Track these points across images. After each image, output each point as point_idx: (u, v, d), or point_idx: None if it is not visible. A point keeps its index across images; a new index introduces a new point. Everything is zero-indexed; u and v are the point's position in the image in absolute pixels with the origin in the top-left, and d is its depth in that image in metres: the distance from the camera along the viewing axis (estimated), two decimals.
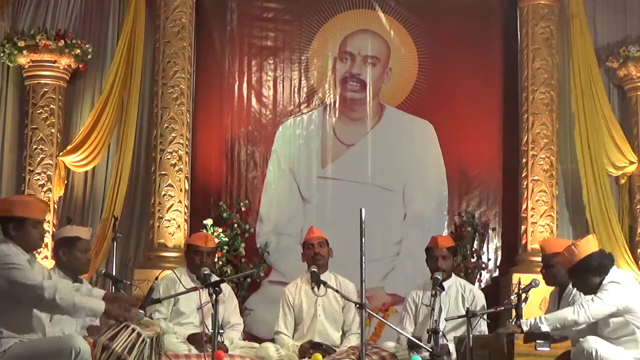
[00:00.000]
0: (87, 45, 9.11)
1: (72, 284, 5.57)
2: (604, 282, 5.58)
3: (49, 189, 8.89)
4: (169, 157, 8.96)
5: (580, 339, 5.47)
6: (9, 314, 4.94)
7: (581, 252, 5.64)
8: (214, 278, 6.05)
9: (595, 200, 9.20)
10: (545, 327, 5.54)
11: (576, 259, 5.64)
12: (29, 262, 5.06)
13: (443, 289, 6.36)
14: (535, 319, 5.61)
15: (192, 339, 6.46)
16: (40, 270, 5.17)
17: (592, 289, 5.66)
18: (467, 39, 9.68)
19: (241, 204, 9.28)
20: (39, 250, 5.42)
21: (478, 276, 9.18)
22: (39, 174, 8.91)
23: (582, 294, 5.96)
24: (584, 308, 5.51)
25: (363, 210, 5.35)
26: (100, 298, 5.12)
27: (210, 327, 5.76)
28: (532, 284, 6.38)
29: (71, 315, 5.07)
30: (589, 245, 5.70)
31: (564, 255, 5.75)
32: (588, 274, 5.63)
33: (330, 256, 6.88)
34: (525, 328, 5.59)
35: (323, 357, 6.37)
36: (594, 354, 5.33)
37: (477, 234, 9.33)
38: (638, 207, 9.39)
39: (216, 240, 8.68)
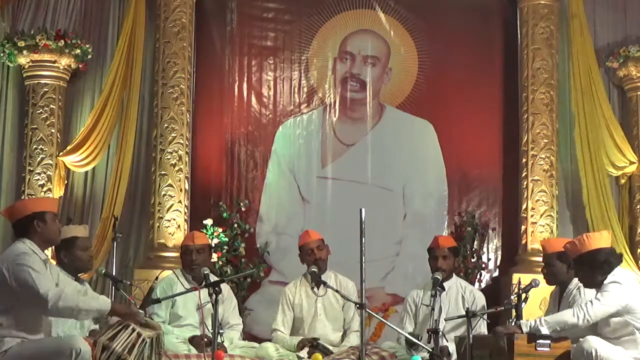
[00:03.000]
0: (87, 45, 9.11)
1: (78, 287, 5.56)
2: (605, 282, 5.57)
3: (49, 189, 8.89)
4: (169, 157, 8.97)
5: (580, 339, 5.47)
6: (17, 313, 4.95)
7: (591, 244, 5.64)
8: (214, 278, 6.04)
9: (595, 200, 9.19)
10: (544, 330, 5.54)
11: (585, 249, 5.64)
12: (44, 263, 5.08)
13: (443, 289, 6.36)
14: (535, 320, 5.61)
15: (192, 341, 6.46)
16: (51, 274, 5.17)
17: (592, 284, 5.67)
18: (467, 39, 9.68)
19: (241, 204, 9.28)
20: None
21: (478, 276, 9.18)
22: (39, 174, 8.91)
23: (582, 289, 5.98)
24: (584, 311, 5.50)
25: (363, 210, 5.35)
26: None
27: (210, 328, 5.75)
28: (532, 284, 6.38)
29: (76, 318, 5.09)
30: (601, 239, 5.68)
31: (573, 244, 5.74)
32: (592, 269, 5.62)
33: (328, 253, 6.86)
34: (525, 329, 5.59)
35: (323, 357, 6.37)
36: (593, 353, 5.33)
37: (477, 234, 9.32)
38: (638, 207, 9.39)
39: (216, 240, 8.70)
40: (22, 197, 8.85)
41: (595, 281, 5.65)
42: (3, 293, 4.96)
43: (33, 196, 8.66)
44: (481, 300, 6.79)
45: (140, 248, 9.17)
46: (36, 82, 9.02)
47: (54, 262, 5.85)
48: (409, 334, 6.25)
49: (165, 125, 9.02)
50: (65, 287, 5.29)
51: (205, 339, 6.12)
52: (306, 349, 6.52)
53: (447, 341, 6.22)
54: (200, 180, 9.35)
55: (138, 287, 7.86)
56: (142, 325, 5.04)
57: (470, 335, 5.64)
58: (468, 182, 9.61)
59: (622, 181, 9.53)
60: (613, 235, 9.02)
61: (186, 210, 8.99)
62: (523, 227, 9.20)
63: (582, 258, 5.66)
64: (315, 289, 6.78)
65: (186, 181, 9.03)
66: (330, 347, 6.58)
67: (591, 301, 5.55)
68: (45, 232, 5.16)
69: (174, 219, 8.89)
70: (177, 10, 9.14)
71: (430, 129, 9.63)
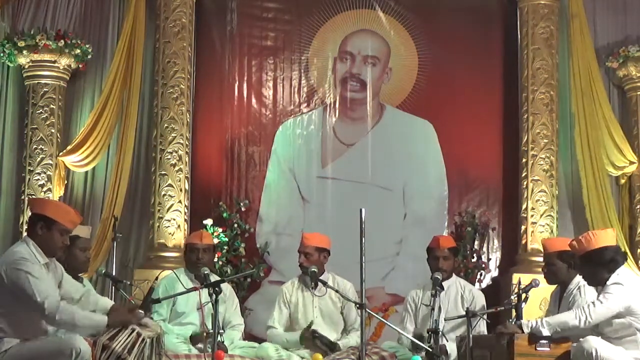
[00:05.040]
0: (87, 45, 9.11)
1: (81, 288, 5.53)
2: (608, 283, 5.56)
3: (49, 189, 8.89)
4: (169, 157, 8.97)
5: (580, 339, 5.47)
6: (15, 316, 4.94)
7: (597, 243, 5.63)
8: (214, 278, 6.04)
9: (595, 200, 9.19)
10: (546, 332, 5.53)
11: (591, 247, 5.62)
12: (46, 267, 5.06)
13: (443, 288, 6.36)
14: (537, 321, 5.60)
15: (193, 340, 6.46)
16: (53, 279, 5.14)
17: (598, 281, 5.67)
18: (467, 39, 9.68)
19: (241, 204, 9.28)
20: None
21: (478, 276, 9.19)
22: (39, 174, 8.91)
23: (582, 288, 5.98)
24: (586, 314, 5.48)
25: (363, 210, 5.35)
26: (106, 311, 5.12)
27: (210, 327, 5.75)
28: (532, 284, 6.38)
29: (72, 331, 5.06)
30: (607, 237, 5.67)
31: (579, 241, 5.72)
32: (598, 267, 5.61)
33: (324, 261, 6.78)
34: (526, 330, 5.59)
35: (323, 357, 6.37)
36: (594, 353, 5.33)
37: (477, 234, 9.33)
38: (638, 207, 9.39)
39: (216, 240, 8.70)
40: (22, 197, 8.87)
41: (599, 279, 5.64)
42: (1, 296, 4.95)
43: (33, 196, 8.65)
44: (481, 300, 6.79)
45: (140, 248, 9.17)
46: (36, 82, 9.02)
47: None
48: (414, 334, 6.26)
49: (165, 125, 9.02)
50: (70, 289, 5.27)
51: (205, 334, 6.13)
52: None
53: (447, 341, 6.22)
54: (200, 180, 9.35)
55: (138, 287, 7.86)
56: (142, 325, 5.04)
57: (470, 335, 5.64)
58: (468, 182, 9.61)
59: (622, 181, 9.52)
60: None
61: (186, 210, 8.99)
62: (523, 227, 9.20)
63: (587, 256, 5.64)
64: (313, 290, 6.76)
65: (186, 181, 9.03)
66: (331, 339, 6.57)
67: (593, 303, 5.54)
68: (45, 239, 5.08)
69: (174, 219, 8.89)
70: (177, 10, 9.14)
71: (430, 129, 9.63)
